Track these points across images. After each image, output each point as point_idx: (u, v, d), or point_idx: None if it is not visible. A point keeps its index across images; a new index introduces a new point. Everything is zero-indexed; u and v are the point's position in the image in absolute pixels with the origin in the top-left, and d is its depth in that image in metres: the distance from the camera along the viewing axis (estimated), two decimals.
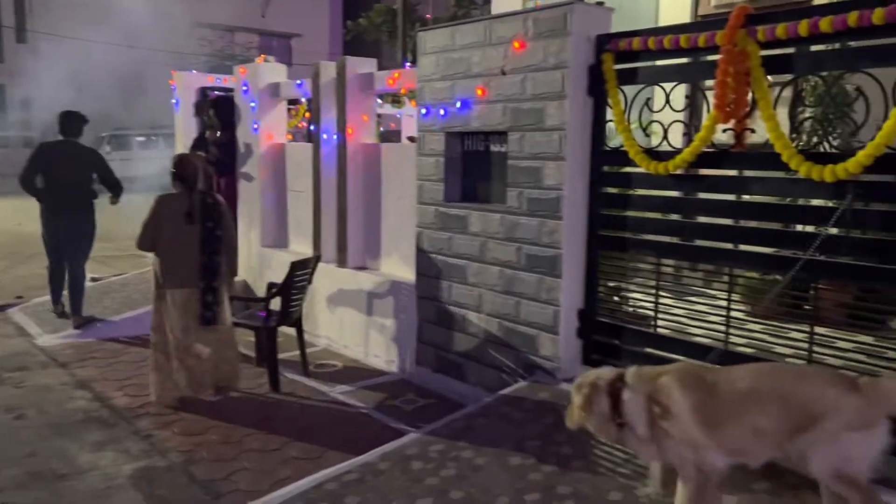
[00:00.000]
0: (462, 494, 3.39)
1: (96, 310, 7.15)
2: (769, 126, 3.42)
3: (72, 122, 6.82)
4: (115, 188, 6.95)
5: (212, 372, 5.02)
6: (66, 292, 6.91)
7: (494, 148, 4.96)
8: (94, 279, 8.69)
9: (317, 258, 5.78)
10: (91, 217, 6.85)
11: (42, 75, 30.78)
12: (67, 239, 6.77)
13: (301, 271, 5.44)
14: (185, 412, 4.78)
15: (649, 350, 4.20)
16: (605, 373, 2.98)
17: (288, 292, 5.35)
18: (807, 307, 3.78)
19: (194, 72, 9.14)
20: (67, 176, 6.67)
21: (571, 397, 3.00)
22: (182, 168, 4.93)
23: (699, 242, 3.95)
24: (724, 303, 3.88)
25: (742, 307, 4.40)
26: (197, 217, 4.83)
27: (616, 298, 4.83)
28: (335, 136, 6.36)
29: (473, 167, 5.13)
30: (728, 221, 3.93)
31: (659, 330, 4.21)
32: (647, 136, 4.13)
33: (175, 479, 3.83)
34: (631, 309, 4.63)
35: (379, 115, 9.30)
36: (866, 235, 3.47)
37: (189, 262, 4.83)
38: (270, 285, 5.83)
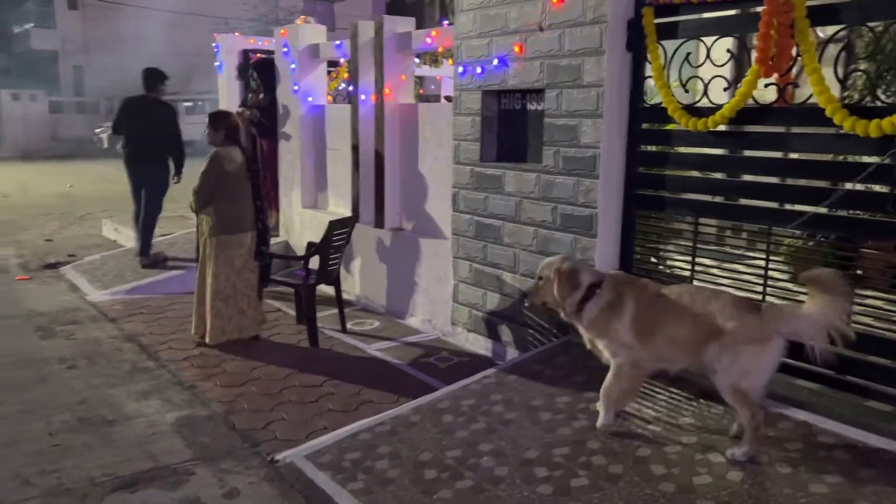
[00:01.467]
0: (491, 447, 3.44)
1: (144, 270, 7.37)
2: (813, 80, 3.31)
3: (150, 78, 7.39)
4: (179, 158, 7.48)
5: (259, 312, 5.51)
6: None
7: (531, 106, 4.91)
8: None
9: (354, 218, 5.84)
10: (164, 167, 7.41)
11: (92, 42, 31.43)
12: (143, 185, 7.40)
13: (339, 231, 5.51)
14: (226, 365, 4.93)
15: None
16: (584, 271, 3.46)
17: (326, 251, 5.43)
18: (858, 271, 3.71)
19: (237, 34, 9.20)
20: (143, 127, 7.23)
21: (543, 274, 3.51)
22: (226, 122, 5.22)
23: (740, 201, 3.87)
24: (761, 263, 3.81)
25: (781, 268, 4.31)
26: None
27: (653, 259, 4.78)
28: (373, 97, 6.36)
29: (510, 126, 5.09)
30: (770, 179, 3.83)
31: None
32: (687, 92, 4.03)
33: (216, 427, 3.96)
34: (668, 270, 4.57)
35: (420, 78, 9.28)
36: None
37: (248, 208, 5.26)
38: (309, 245, 5.92)
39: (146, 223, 7.47)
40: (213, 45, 9.18)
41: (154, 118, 7.27)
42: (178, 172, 7.51)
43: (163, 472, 3.43)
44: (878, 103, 3.19)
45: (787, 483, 2.91)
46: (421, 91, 9.01)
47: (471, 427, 3.65)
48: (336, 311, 5.82)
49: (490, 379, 4.20)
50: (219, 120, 5.23)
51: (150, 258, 7.45)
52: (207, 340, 5.27)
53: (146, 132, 7.24)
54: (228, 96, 9.03)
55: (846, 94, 4.34)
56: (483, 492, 3.09)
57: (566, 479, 3.11)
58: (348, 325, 5.90)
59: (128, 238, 9.32)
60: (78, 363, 4.90)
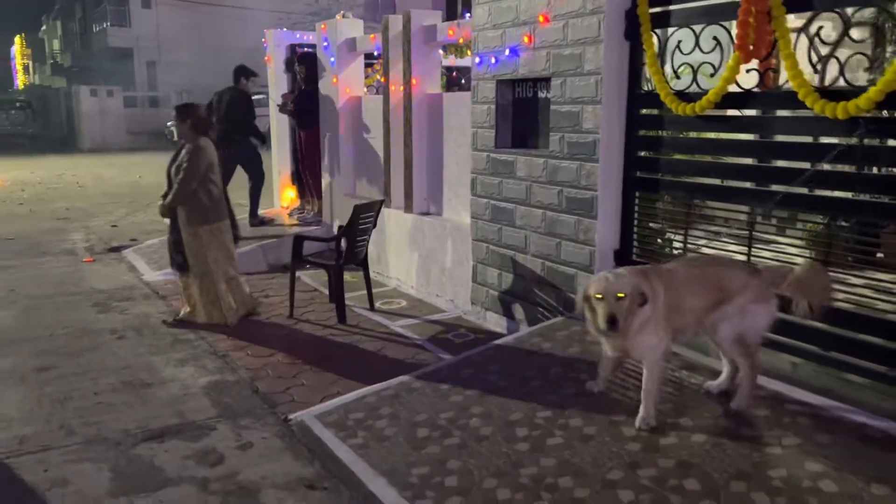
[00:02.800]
0: (481, 409, 3.73)
1: None
2: (787, 65, 3.45)
3: (235, 73, 8.71)
4: (257, 135, 8.78)
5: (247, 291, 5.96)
6: None
7: (541, 94, 5.14)
8: None
9: (380, 202, 6.18)
10: (245, 147, 8.62)
11: (164, 39, 32.83)
12: (237, 162, 8.58)
13: (365, 215, 5.86)
14: (257, 337, 5.36)
15: None
16: (635, 281, 3.21)
17: (353, 234, 5.80)
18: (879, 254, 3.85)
19: (284, 29, 9.67)
20: (225, 114, 8.41)
21: (608, 293, 3.16)
22: (192, 114, 5.53)
23: (727, 183, 4.02)
24: (757, 243, 3.96)
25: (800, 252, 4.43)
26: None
27: (659, 241, 4.95)
28: (402, 88, 6.68)
29: (522, 114, 5.33)
30: (752, 161, 3.97)
31: None
32: (678, 78, 4.19)
33: (240, 390, 4.38)
34: (667, 249, 4.74)
35: (457, 70, 9.54)
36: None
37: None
38: (339, 228, 6.30)
39: (251, 192, 8.78)
40: (263, 40, 9.68)
41: (230, 105, 8.45)
42: (263, 141, 8.85)
43: (188, 426, 3.85)
44: (847, 87, 3.29)
45: (746, 445, 3.10)
46: (455, 75, 9.30)
47: (465, 392, 3.95)
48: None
49: (490, 351, 4.49)
50: (185, 112, 5.51)
51: (257, 219, 8.71)
52: (228, 322, 5.60)
53: (227, 118, 8.35)
54: (277, 89, 9.52)
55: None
56: (466, 447, 3.39)
57: (543, 439, 3.37)
58: (378, 304, 6.27)
59: None
60: (126, 334, 5.42)
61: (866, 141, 3.34)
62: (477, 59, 5.52)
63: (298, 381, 4.55)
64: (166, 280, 7.10)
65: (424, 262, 6.55)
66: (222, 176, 8.04)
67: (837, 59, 3.31)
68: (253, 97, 8.77)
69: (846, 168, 3.44)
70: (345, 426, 3.75)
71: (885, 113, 3.21)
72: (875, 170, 3.25)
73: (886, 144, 3.24)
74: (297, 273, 7.26)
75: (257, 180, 8.84)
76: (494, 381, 4.06)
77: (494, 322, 5.62)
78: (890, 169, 3.29)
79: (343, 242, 5.86)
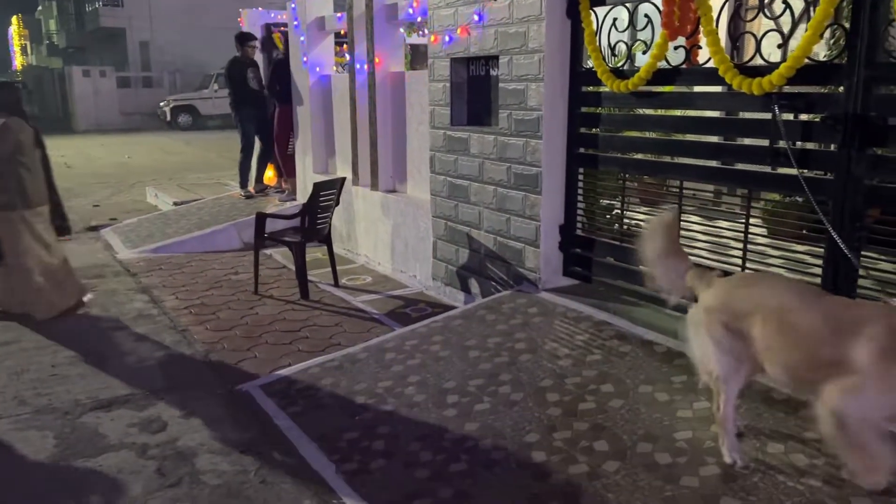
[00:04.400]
0: (418, 378, 3.87)
1: (172, 229, 8.08)
2: (709, 41, 3.54)
3: (236, 41, 9.06)
4: (253, 100, 9.07)
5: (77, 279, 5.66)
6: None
7: (493, 72, 5.22)
8: (175, 203, 9.70)
9: (342, 180, 6.28)
10: (245, 114, 9.02)
11: (157, 18, 32.72)
12: (247, 124, 9.12)
13: (325, 192, 5.97)
14: (220, 313, 5.50)
15: (624, 264, 4.46)
16: None
17: (313, 211, 5.91)
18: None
19: (259, 9, 9.72)
20: (233, 81, 8.99)
21: None
22: (10, 96, 5.35)
23: (659, 158, 4.13)
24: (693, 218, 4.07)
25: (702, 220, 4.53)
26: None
27: (608, 216, 5.06)
28: (366, 66, 6.76)
29: (476, 92, 5.41)
30: (682, 137, 4.07)
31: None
32: (616, 56, 4.28)
33: (192, 363, 4.53)
34: (615, 225, 4.85)
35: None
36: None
37: (41, 180, 5.33)
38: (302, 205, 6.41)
39: (259, 158, 9.33)
40: (239, 19, 9.73)
41: (229, 75, 9.03)
42: (262, 89, 9.09)
43: (137, 397, 4.00)
44: (763, 62, 3.38)
45: (659, 408, 3.24)
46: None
47: (407, 363, 4.09)
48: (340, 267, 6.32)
49: (438, 323, 4.62)
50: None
51: (260, 185, 9.37)
52: (37, 316, 5.22)
53: (228, 86, 9.13)
54: None
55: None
56: (398, 414, 3.54)
57: (472, 405, 3.52)
58: (343, 281, 6.40)
59: (165, 203, 10.11)
60: (91, 310, 5.56)
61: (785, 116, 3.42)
62: (432, 38, 5.60)
63: (251, 354, 4.69)
64: (139, 258, 7.25)
65: (390, 239, 6.67)
66: (242, 136, 8.90)
67: (754, 35, 3.39)
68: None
69: (763, 142, 3.52)
70: (287, 395, 3.90)
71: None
72: (791, 144, 3.33)
73: (799, 119, 3.33)
74: (270, 251, 7.44)
75: (257, 147, 9.23)
76: (436, 351, 4.20)
77: (452, 296, 5.75)
78: (804, 143, 3.38)
79: (306, 220, 5.98)
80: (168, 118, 27.13)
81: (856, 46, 3.05)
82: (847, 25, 3.10)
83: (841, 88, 3.13)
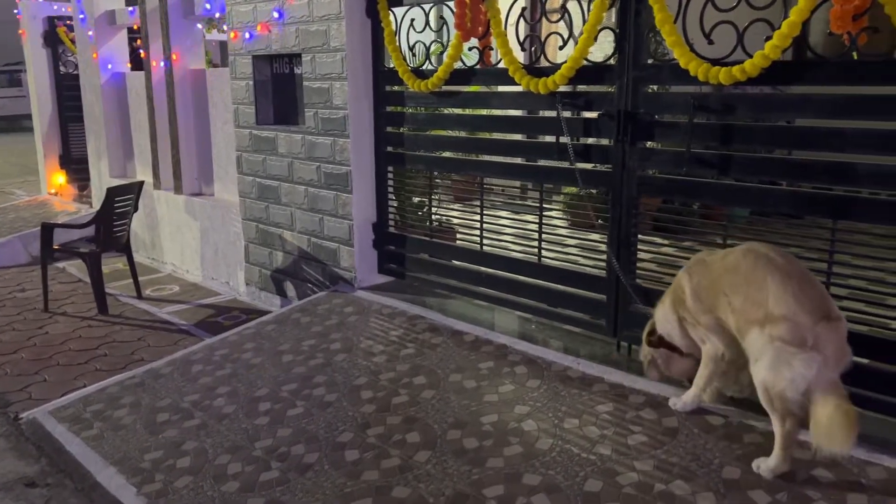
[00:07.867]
0: (228, 389, 3.72)
1: None
2: (498, 43, 3.71)
3: None
4: None
5: None
6: None
7: (297, 70, 5.14)
8: None
9: (140, 184, 5.89)
10: None
11: None
12: None
13: (121, 197, 5.56)
14: (2, 336, 4.95)
15: (436, 259, 4.57)
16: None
17: (108, 219, 5.49)
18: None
19: (41, 0, 8.85)
20: None
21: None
22: None
23: (461, 156, 4.28)
24: (490, 212, 4.25)
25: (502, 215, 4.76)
26: None
27: (419, 213, 5.16)
28: (163, 63, 6.39)
29: (281, 90, 5.30)
30: (489, 135, 4.26)
31: (438, 239, 4.57)
32: (415, 56, 4.37)
33: None
34: (427, 222, 4.96)
35: None
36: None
37: None
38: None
39: None
40: (16, 10, 8.80)
41: None
42: None
43: None
44: (549, 63, 3.61)
45: (468, 396, 3.35)
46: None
47: (216, 374, 3.92)
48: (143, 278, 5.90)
49: (250, 329, 4.47)
50: None
51: None
52: None
53: None
54: (35, 65, 8.73)
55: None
56: (205, 428, 3.38)
57: (284, 410, 3.44)
58: (148, 291, 6.01)
59: None
60: None
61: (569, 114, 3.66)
62: (232, 35, 5.40)
63: (40, 378, 4.27)
64: None
65: (199, 245, 6.35)
66: None
67: (539, 38, 3.60)
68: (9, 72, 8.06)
69: (552, 139, 3.76)
70: (80, 419, 3.59)
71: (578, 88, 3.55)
72: (574, 139, 3.58)
73: (581, 116, 3.59)
74: (63, 264, 6.82)
75: None
76: (248, 359, 4.06)
77: (268, 301, 5.59)
78: (586, 139, 3.65)
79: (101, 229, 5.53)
80: None
81: (624, 49, 3.34)
82: (616, 30, 3.39)
83: (613, 88, 3.41)
